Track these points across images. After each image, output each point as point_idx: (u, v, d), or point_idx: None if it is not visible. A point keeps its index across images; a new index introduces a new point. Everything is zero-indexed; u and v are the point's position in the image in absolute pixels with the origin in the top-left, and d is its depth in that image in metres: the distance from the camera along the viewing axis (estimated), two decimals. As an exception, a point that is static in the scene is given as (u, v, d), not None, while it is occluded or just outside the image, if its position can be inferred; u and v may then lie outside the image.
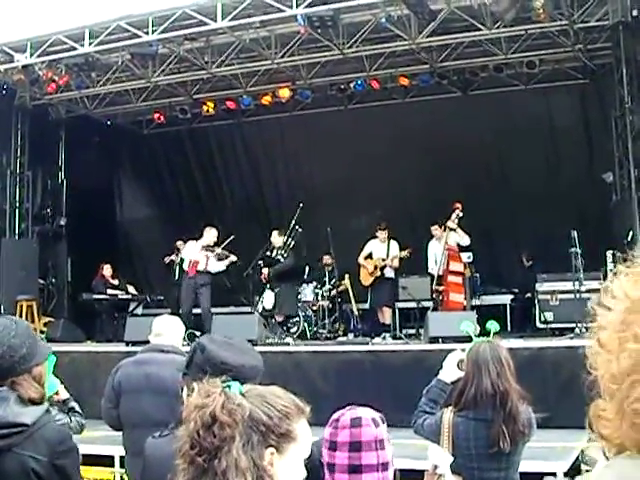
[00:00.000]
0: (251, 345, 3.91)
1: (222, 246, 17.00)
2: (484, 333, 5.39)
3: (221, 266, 16.97)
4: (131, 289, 19.84)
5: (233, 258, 16.96)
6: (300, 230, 17.47)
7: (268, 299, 16.87)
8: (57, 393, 5.28)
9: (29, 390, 3.44)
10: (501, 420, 4.84)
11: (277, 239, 17.19)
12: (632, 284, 1.47)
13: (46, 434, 3.28)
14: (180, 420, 2.68)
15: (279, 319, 16.85)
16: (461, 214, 16.19)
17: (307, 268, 18.22)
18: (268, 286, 16.90)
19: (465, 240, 16.38)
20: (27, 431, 3.27)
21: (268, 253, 17.16)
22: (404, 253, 16.75)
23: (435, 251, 16.66)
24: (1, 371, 3.42)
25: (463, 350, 5.25)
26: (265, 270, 16.90)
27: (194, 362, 3.56)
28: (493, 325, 5.40)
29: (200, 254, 16.85)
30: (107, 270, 19.38)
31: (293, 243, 17.38)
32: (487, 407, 4.89)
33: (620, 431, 1.44)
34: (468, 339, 5.35)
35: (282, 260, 17.07)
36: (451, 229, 16.23)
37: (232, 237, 17.30)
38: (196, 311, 16.88)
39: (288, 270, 17.12)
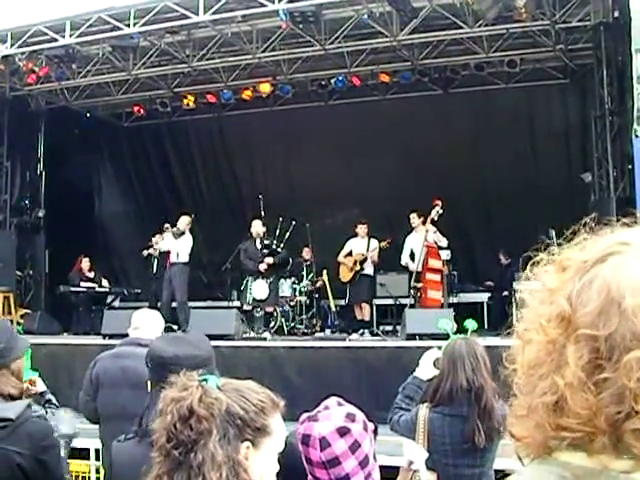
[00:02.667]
0: (205, 338, 3.93)
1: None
2: (462, 331, 5.40)
3: (187, 242, 17.06)
4: (104, 282, 19.72)
5: (185, 219, 17.13)
6: (293, 222, 17.55)
7: (261, 289, 16.66)
8: (34, 384, 5.27)
9: (7, 385, 3.43)
10: (476, 416, 4.86)
11: (260, 228, 16.97)
12: (549, 274, 1.48)
13: (29, 429, 3.26)
14: (140, 418, 2.69)
15: (269, 309, 16.76)
16: (441, 210, 16.19)
17: (291, 260, 18.19)
18: (260, 276, 16.72)
19: (443, 242, 16.36)
20: (11, 426, 3.26)
21: (267, 242, 17.01)
22: (383, 243, 16.76)
23: (412, 245, 16.57)
24: None
25: (439, 348, 5.27)
26: (269, 259, 16.74)
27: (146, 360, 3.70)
28: (471, 324, 5.41)
29: (171, 244, 16.95)
30: (85, 263, 19.29)
31: (287, 235, 17.41)
32: (462, 403, 4.91)
33: (529, 431, 1.43)
34: (445, 336, 5.36)
35: (280, 251, 17.04)
36: (428, 230, 16.24)
37: (194, 215, 17.58)
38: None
39: (284, 262, 17.14)
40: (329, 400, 3.16)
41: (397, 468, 4.84)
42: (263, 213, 17.41)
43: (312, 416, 3.06)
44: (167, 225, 17.47)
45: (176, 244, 16.95)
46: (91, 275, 19.36)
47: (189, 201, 22.88)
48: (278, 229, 17.51)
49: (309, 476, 3.01)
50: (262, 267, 16.52)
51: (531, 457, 1.41)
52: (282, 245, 17.21)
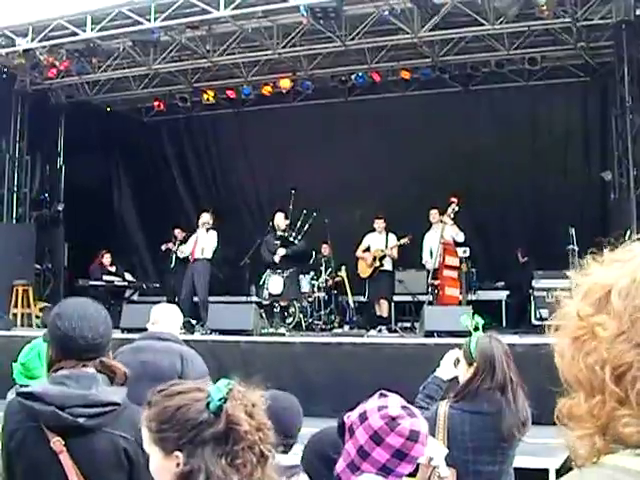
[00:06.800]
0: None
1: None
2: (475, 328, 5.38)
3: (213, 238, 17.21)
4: (128, 276, 19.81)
5: (207, 215, 17.32)
6: (314, 214, 17.52)
7: (276, 284, 16.74)
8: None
9: (119, 366, 3.52)
10: (513, 412, 4.84)
11: (282, 221, 17.09)
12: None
13: (131, 414, 3.30)
14: None
15: (283, 303, 16.82)
16: (457, 208, 16.18)
17: (313, 253, 18.22)
18: (276, 270, 16.79)
19: (460, 237, 16.41)
20: (117, 410, 3.34)
21: (280, 234, 17.09)
22: (404, 240, 16.79)
23: (430, 243, 16.67)
24: (101, 347, 3.55)
25: (460, 347, 5.26)
26: (282, 250, 16.82)
27: None
28: (479, 320, 5.39)
29: (194, 240, 17.07)
30: (106, 258, 19.37)
31: (307, 227, 17.46)
32: (487, 400, 4.89)
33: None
34: (466, 333, 5.35)
35: (296, 243, 17.07)
36: (446, 223, 16.24)
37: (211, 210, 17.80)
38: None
39: (302, 253, 17.17)
40: (387, 394, 3.22)
41: (417, 464, 4.84)
42: (292, 207, 17.41)
43: (407, 410, 3.11)
44: (178, 230, 17.60)
45: (202, 240, 17.05)
46: (113, 269, 19.43)
47: (206, 197, 22.92)
48: (300, 221, 17.51)
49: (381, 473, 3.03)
50: (276, 259, 16.69)
51: (588, 457, 1.40)
52: (299, 237, 17.20)
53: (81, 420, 3.26)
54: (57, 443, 3.24)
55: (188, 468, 2.37)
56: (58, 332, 3.46)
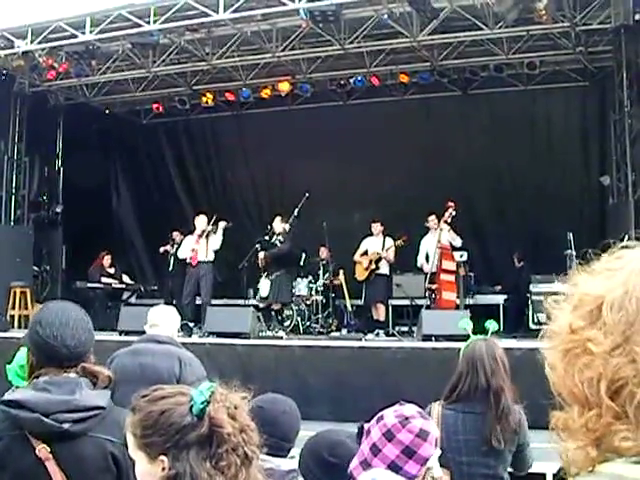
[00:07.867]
0: None
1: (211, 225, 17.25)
2: (482, 332, 5.39)
3: (218, 241, 17.10)
4: (126, 278, 19.81)
5: (222, 224, 17.19)
6: (297, 217, 17.46)
7: (264, 287, 16.91)
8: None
9: (102, 369, 3.49)
10: (494, 417, 4.85)
11: (279, 225, 17.23)
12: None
13: (117, 417, 3.27)
14: None
15: (276, 307, 16.91)
16: (454, 213, 16.20)
17: (304, 255, 18.18)
18: (264, 273, 16.91)
19: (457, 241, 16.45)
20: (102, 414, 3.32)
21: (266, 238, 17.18)
22: (399, 241, 16.80)
23: (427, 247, 16.71)
24: (83, 354, 3.48)
25: (459, 351, 5.27)
26: (261, 254, 16.96)
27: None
28: (492, 324, 5.40)
29: (197, 244, 17.01)
30: (106, 260, 19.36)
31: (290, 229, 17.41)
32: (477, 402, 4.90)
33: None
34: (464, 337, 5.35)
35: (279, 245, 17.11)
36: (442, 229, 16.27)
37: (231, 223, 17.52)
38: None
39: (284, 255, 17.17)
40: (405, 404, 3.31)
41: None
42: (299, 210, 17.43)
43: (421, 414, 3.22)
44: (176, 232, 17.56)
45: (203, 245, 17.07)
46: (111, 271, 19.42)
47: (204, 199, 22.90)
48: (288, 224, 17.49)
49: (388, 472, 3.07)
50: (260, 263, 16.92)
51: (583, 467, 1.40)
52: (282, 240, 17.22)
53: (66, 426, 3.23)
54: (43, 450, 3.21)
55: (173, 472, 2.35)
56: (39, 340, 3.41)
